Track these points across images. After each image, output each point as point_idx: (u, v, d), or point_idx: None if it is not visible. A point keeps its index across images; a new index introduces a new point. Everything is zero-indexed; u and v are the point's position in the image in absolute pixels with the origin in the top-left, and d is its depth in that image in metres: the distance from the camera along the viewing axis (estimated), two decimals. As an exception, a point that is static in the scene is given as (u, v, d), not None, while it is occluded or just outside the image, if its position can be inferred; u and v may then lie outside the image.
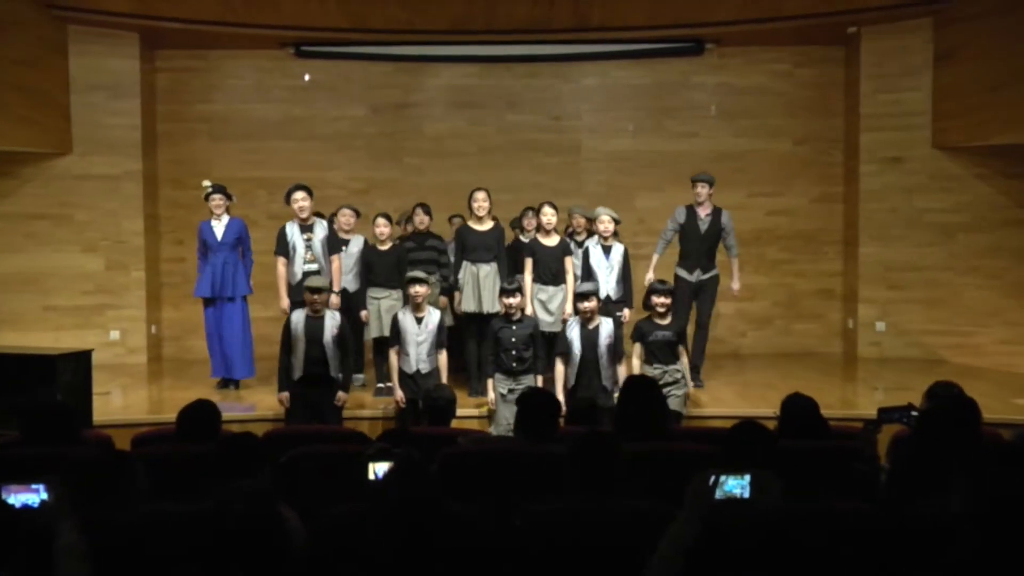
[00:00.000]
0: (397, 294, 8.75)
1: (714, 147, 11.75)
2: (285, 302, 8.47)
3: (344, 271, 9.05)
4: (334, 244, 8.77)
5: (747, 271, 11.85)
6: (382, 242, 8.97)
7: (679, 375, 7.63)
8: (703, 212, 9.15)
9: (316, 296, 7.50)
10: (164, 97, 11.76)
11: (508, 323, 7.69)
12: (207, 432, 4.88)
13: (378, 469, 3.94)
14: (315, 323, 7.47)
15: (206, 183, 9.27)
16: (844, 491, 4.18)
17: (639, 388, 4.99)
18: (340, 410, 7.62)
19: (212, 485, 3.59)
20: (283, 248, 8.69)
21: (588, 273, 8.79)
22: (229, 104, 11.84)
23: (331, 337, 7.47)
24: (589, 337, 7.51)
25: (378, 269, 8.89)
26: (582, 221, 9.49)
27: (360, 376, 9.44)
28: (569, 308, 7.90)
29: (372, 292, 8.91)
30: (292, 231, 8.72)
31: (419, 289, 7.69)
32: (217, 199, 9.09)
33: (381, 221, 9.03)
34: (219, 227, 9.10)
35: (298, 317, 7.52)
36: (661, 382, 7.25)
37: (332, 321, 7.53)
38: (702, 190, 9.11)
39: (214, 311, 9.12)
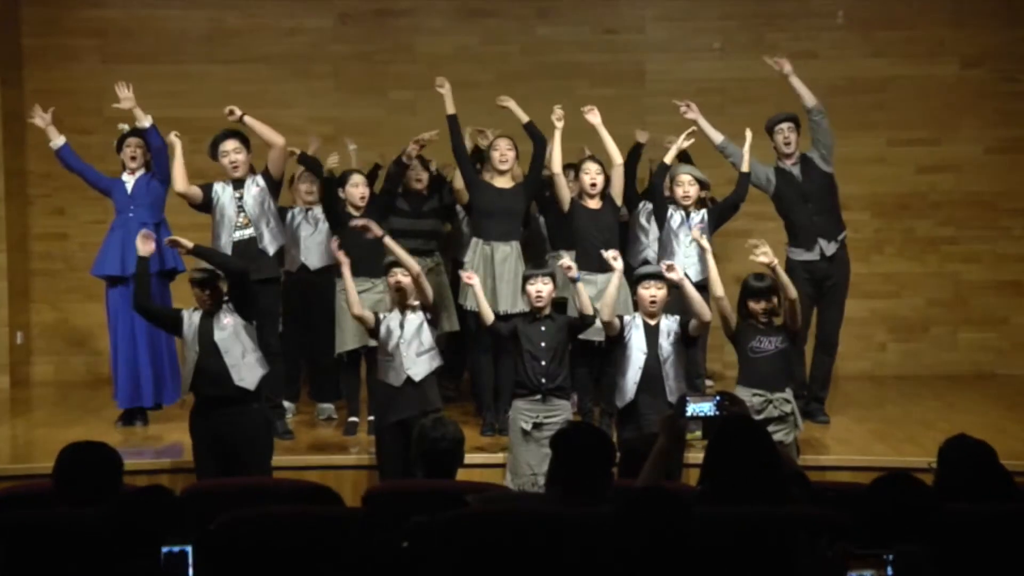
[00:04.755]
0: (384, 284, 8.77)
1: (841, 72, 11.68)
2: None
3: (302, 241, 9.27)
4: (275, 189, 8.97)
5: (887, 253, 11.82)
6: (358, 209, 9.00)
7: (789, 408, 7.63)
8: (790, 162, 9.25)
9: (203, 292, 7.52)
10: (33, -3, 11.84)
11: (533, 321, 7.69)
12: (100, 488, 4.88)
13: None
14: (207, 323, 7.52)
15: (123, 127, 9.34)
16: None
17: (736, 431, 4.96)
18: (267, 453, 7.64)
19: (105, 566, 3.60)
20: (205, 202, 8.89)
21: (665, 247, 8.98)
22: (131, 8, 11.86)
23: (230, 334, 7.50)
24: (653, 336, 7.56)
25: (355, 248, 8.90)
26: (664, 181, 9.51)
27: (327, 406, 9.49)
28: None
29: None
30: (223, 190, 8.88)
31: (402, 279, 7.73)
32: (135, 144, 9.23)
33: (358, 179, 9.08)
34: (130, 181, 9.22)
35: (192, 315, 7.57)
36: (762, 415, 7.25)
37: (227, 318, 7.56)
38: (791, 135, 9.23)
39: (123, 298, 9.13)
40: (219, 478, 7.14)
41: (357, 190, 8.99)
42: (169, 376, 9.18)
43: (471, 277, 7.85)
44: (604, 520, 4.35)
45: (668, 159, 9.04)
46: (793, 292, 7.63)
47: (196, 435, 7.52)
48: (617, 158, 8.98)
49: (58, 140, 9.28)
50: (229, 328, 7.50)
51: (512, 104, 9.08)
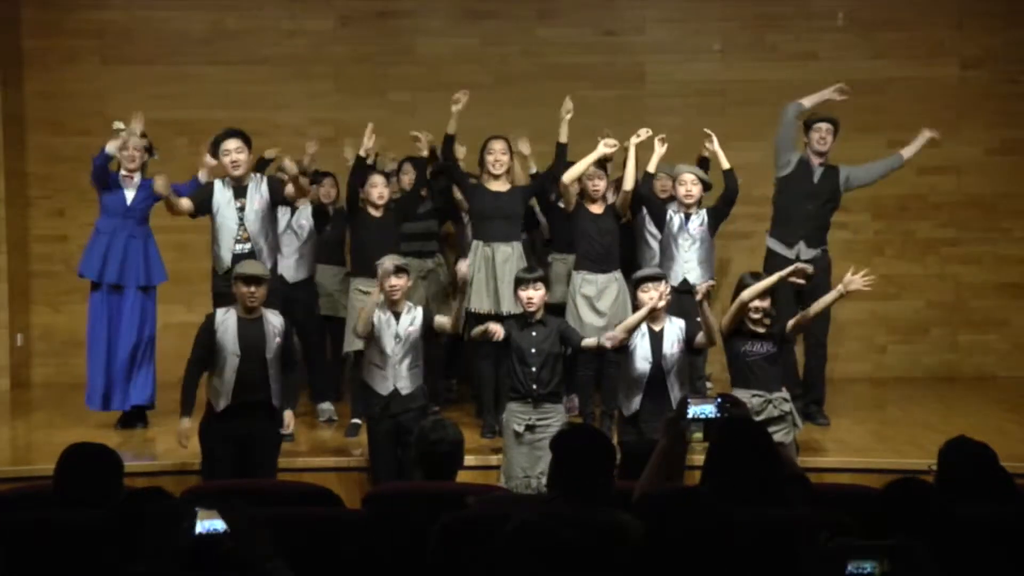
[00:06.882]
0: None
1: (841, 74, 11.56)
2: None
3: (285, 252, 9.25)
4: (277, 194, 8.84)
5: (888, 255, 11.82)
6: (376, 207, 9.03)
7: (787, 408, 7.63)
8: (817, 161, 9.24)
9: (252, 289, 7.48)
10: (33, -2, 11.84)
11: (525, 325, 7.69)
12: (100, 490, 4.88)
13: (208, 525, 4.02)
14: (252, 327, 7.49)
15: (118, 124, 9.32)
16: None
17: (738, 433, 4.96)
18: (276, 453, 7.68)
19: (107, 569, 3.60)
20: (202, 205, 8.69)
21: (664, 251, 8.97)
22: (131, 10, 11.84)
23: (276, 347, 7.52)
24: (658, 344, 7.55)
25: (370, 248, 8.86)
26: (667, 183, 9.52)
27: (327, 408, 9.49)
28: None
29: (359, 283, 8.99)
30: (222, 193, 8.73)
31: (395, 281, 7.75)
32: (133, 145, 9.15)
33: (377, 180, 9.13)
34: (130, 189, 9.17)
35: (226, 318, 7.52)
36: (762, 416, 7.24)
37: (275, 323, 7.56)
38: (828, 135, 9.20)
39: (105, 302, 9.17)
40: (219, 480, 7.13)
41: (375, 190, 9.03)
42: (137, 375, 9.14)
43: (461, 267, 7.84)
44: (607, 523, 4.34)
45: (651, 167, 9.02)
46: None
47: (215, 439, 7.47)
48: (628, 184, 8.94)
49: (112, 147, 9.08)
50: (277, 347, 7.52)
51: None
